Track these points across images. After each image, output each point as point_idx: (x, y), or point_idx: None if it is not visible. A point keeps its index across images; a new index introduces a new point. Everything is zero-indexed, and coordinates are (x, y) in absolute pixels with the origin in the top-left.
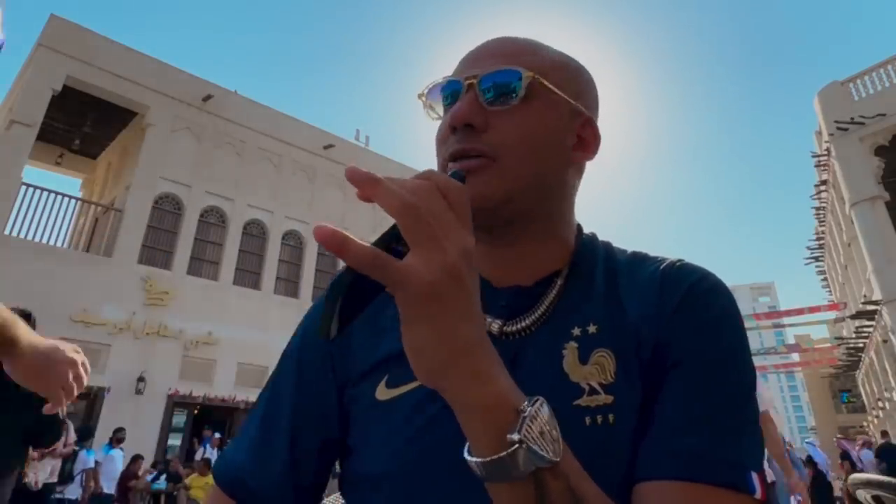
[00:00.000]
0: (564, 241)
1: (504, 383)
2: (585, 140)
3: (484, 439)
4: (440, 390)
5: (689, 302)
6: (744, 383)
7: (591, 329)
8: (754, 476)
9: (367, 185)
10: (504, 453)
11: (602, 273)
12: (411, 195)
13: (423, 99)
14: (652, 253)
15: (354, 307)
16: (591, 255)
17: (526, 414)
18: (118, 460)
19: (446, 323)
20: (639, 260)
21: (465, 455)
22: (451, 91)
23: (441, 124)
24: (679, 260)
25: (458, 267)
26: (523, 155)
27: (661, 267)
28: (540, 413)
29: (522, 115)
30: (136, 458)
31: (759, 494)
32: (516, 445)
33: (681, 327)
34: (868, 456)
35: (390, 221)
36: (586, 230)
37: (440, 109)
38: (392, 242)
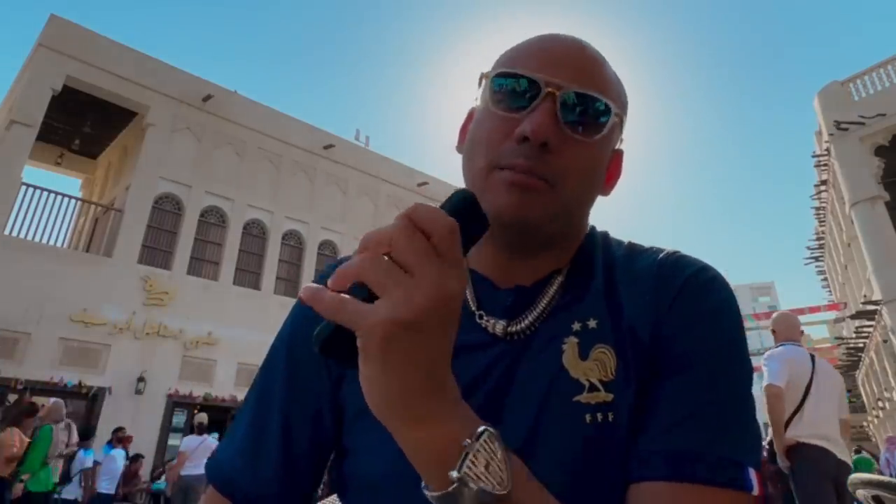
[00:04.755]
0: (572, 246)
1: (451, 421)
2: (611, 173)
3: (431, 476)
4: (389, 431)
5: (687, 294)
6: (741, 378)
7: (591, 324)
8: (751, 472)
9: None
10: (446, 490)
11: (601, 266)
12: (376, 246)
13: (487, 81)
14: (648, 244)
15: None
16: (591, 248)
17: (469, 449)
18: (118, 460)
19: (397, 367)
20: (635, 252)
21: (422, 488)
22: (521, 89)
23: (494, 119)
24: (676, 251)
25: (423, 312)
26: (578, 187)
27: (658, 258)
28: (485, 447)
29: (591, 150)
30: (137, 458)
31: (756, 491)
32: (455, 485)
33: (678, 321)
34: None
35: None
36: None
37: (490, 97)
38: None
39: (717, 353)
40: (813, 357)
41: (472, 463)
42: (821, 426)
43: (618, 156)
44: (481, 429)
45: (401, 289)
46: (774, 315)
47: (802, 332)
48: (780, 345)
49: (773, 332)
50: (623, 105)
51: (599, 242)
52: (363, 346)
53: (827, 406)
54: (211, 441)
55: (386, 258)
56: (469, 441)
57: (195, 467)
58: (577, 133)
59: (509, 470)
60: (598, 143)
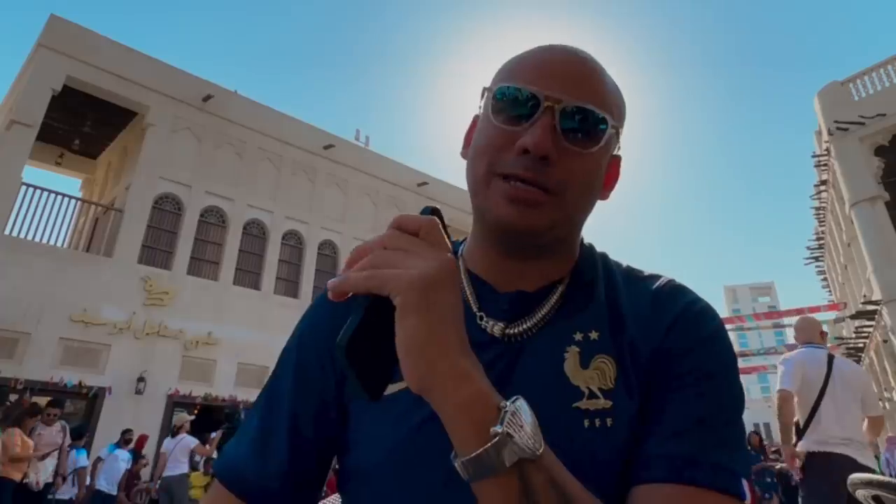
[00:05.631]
0: (571, 254)
1: (485, 384)
2: (609, 178)
3: (469, 436)
4: (426, 392)
5: (683, 321)
6: (736, 399)
7: (593, 335)
8: (745, 483)
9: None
10: (488, 445)
11: (603, 284)
12: (375, 248)
13: (490, 94)
14: (646, 270)
15: (380, 359)
16: (592, 265)
17: (507, 409)
18: (121, 460)
19: (436, 318)
20: (634, 276)
21: (452, 460)
22: (522, 102)
23: (495, 129)
24: (671, 280)
25: (438, 271)
26: (578, 196)
27: (655, 286)
28: (520, 409)
29: (590, 160)
30: (138, 458)
31: (749, 500)
32: (498, 437)
33: (676, 343)
34: None
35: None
36: (584, 232)
37: (492, 108)
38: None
39: (715, 376)
40: (832, 358)
41: (512, 421)
42: (840, 429)
43: (616, 161)
44: (515, 397)
45: (414, 259)
46: (796, 320)
47: (824, 333)
48: (799, 347)
49: (795, 337)
50: (621, 115)
51: (599, 260)
52: (403, 304)
53: (846, 407)
54: (188, 441)
55: (383, 254)
56: (506, 402)
57: (172, 468)
58: (576, 145)
59: (541, 434)
60: (596, 153)
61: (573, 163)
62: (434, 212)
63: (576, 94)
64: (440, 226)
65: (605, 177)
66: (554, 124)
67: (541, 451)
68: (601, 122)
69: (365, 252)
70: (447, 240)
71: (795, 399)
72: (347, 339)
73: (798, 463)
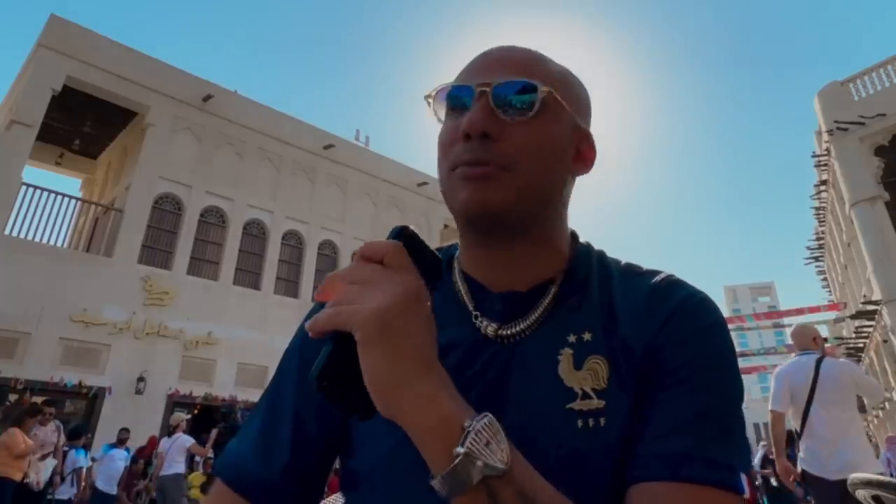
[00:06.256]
0: (559, 249)
1: (450, 404)
2: (583, 154)
3: (437, 457)
4: (395, 417)
5: (680, 315)
6: (733, 391)
7: (586, 336)
8: (742, 477)
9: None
10: (451, 466)
11: (596, 282)
12: (344, 280)
13: (430, 101)
14: (644, 266)
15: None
16: (586, 263)
17: (470, 429)
18: (118, 460)
19: (395, 348)
20: (631, 272)
21: (430, 480)
22: (459, 97)
23: (445, 129)
24: (670, 275)
25: (397, 300)
26: (533, 166)
27: (652, 281)
28: (485, 428)
29: (534, 128)
30: (137, 459)
31: (747, 494)
32: (460, 458)
33: (672, 336)
34: None
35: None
36: (584, 233)
37: (442, 113)
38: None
39: (710, 368)
40: (820, 361)
41: (475, 440)
42: (832, 432)
43: (583, 135)
44: (482, 414)
45: (374, 291)
46: (792, 327)
47: (819, 339)
48: (795, 354)
49: (792, 344)
50: (559, 82)
51: (595, 258)
52: (361, 339)
53: (838, 407)
54: (184, 440)
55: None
56: (470, 422)
57: (168, 467)
58: (514, 116)
59: (508, 448)
60: (537, 120)
61: (516, 133)
62: (403, 230)
63: (504, 75)
64: (404, 250)
65: (573, 150)
66: (489, 105)
67: (507, 465)
68: (530, 88)
69: (334, 282)
70: (411, 262)
71: (790, 411)
72: (318, 371)
73: (792, 477)
